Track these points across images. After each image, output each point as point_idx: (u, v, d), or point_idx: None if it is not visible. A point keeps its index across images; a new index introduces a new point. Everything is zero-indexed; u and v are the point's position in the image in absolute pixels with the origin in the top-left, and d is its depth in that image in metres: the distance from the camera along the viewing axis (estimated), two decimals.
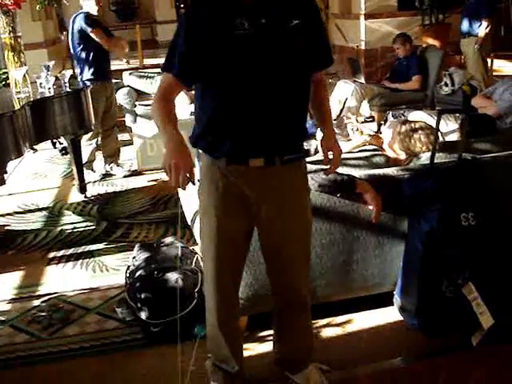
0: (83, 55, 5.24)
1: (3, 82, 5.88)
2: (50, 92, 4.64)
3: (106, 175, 5.66)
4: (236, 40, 1.91)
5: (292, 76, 2.02)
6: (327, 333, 2.87)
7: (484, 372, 2.64)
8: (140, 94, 6.93)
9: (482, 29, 7.09)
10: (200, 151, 2.16)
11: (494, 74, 8.02)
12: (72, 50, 5.38)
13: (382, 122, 6.02)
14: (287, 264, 2.26)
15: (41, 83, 4.72)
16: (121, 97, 6.65)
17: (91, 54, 5.22)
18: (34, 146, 5.28)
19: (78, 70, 5.38)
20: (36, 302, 3.38)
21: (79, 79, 5.32)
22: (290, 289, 2.32)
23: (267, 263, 2.32)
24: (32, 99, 4.42)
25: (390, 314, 2.95)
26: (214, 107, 2.01)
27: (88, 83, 5.19)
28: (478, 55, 7.20)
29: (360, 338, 2.83)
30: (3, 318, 3.22)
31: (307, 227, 2.30)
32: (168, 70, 2.03)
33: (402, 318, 2.88)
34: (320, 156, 3.12)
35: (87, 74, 5.26)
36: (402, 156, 3.03)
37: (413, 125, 3.06)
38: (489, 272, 2.67)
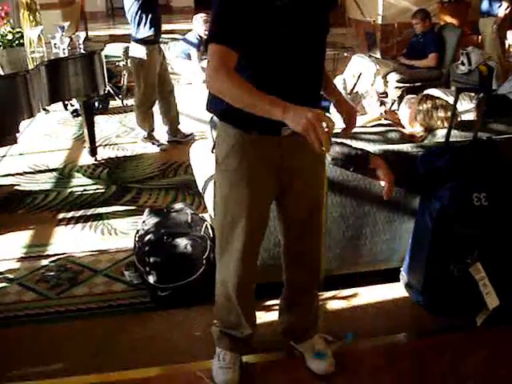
0: (138, 12, 4.95)
1: (17, 42, 5.82)
2: (64, 53, 4.62)
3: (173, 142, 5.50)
4: (276, 11, 1.91)
5: (319, 43, 2.08)
6: (333, 305, 2.90)
7: (487, 352, 2.67)
8: None
9: (501, 9, 6.99)
10: (221, 123, 2.12)
11: None
12: (127, 11, 5.09)
13: (396, 99, 5.98)
14: (313, 234, 2.28)
15: (55, 44, 4.68)
16: None
17: (146, 10, 4.94)
18: (47, 107, 5.27)
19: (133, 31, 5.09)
20: (45, 262, 3.40)
21: (133, 40, 5.10)
22: (311, 260, 2.34)
23: (291, 234, 2.30)
24: (46, 59, 4.39)
25: (395, 290, 2.96)
26: (250, 77, 1.92)
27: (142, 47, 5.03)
28: (496, 36, 7.11)
29: (365, 311, 2.85)
30: (12, 276, 3.25)
31: (324, 197, 2.35)
32: (217, 40, 1.91)
33: (407, 295, 2.90)
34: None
35: (144, 32, 4.99)
36: (420, 132, 3.01)
37: (436, 101, 3.04)
38: (498, 253, 2.66)
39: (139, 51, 5.08)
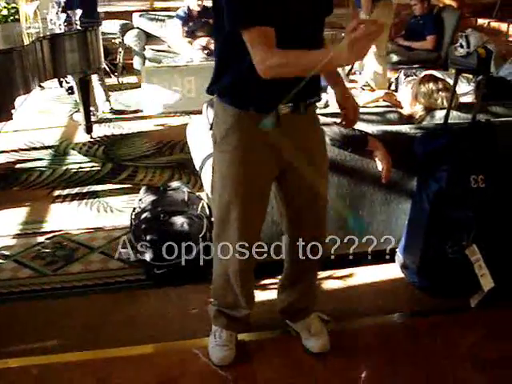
0: None
1: (12, 17, 5.76)
2: (60, 29, 4.57)
3: None
4: None
5: (318, 24, 2.07)
6: (329, 285, 2.90)
7: (480, 334, 2.68)
8: (149, 37, 6.83)
9: None
10: (219, 103, 2.10)
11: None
12: None
13: (393, 80, 5.96)
14: (319, 209, 2.29)
15: (51, 19, 4.63)
16: (130, 39, 6.57)
17: None
18: (42, 84, 5.23)
19: None
20: (40, 239, 3.39)
21: None
22: (316, 236, 2.33)
23: (297, 211, 2.27)
24: (42, 35, 4.34)
25: (391, 271, 2.98)
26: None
27: None
28: None
29: (360, 291, 2.86)
30: (7, 253, 3.24)
31: (327, 171, 2.34)
32: (250, 23, 1.85)
33: (403, 276, 2.92)
34: (332, 109, 3.10)
35: None
36: (420, 112, 3.00)
37: (439, 84, 3.03)
38: (494, 235, 2.68)
39: None
